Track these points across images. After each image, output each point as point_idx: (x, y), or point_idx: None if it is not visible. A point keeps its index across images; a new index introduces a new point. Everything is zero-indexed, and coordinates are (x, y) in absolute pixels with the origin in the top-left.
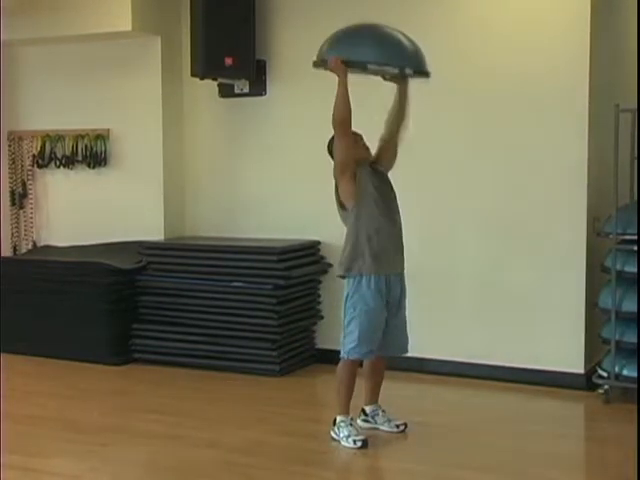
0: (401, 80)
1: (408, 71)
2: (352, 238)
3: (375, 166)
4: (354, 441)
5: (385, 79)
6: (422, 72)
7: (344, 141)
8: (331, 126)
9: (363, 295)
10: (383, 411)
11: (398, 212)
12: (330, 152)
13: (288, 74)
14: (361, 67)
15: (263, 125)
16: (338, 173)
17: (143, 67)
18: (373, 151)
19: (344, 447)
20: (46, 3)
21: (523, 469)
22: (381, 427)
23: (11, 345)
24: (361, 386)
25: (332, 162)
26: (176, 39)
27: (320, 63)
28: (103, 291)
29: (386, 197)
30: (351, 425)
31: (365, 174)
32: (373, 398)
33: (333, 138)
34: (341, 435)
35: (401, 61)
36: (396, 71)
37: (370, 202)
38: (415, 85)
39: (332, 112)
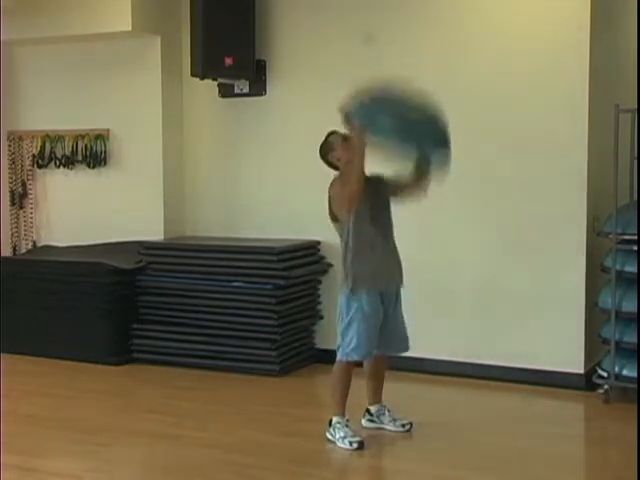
0: (422, 160)
1: (430, 153)
2: (348, 257)
3: (373, 178)
4: (350, 442)
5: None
6: (442, 156)
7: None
8: (329, 128)
9: (359, 298)
10: (388, 410)
11: (391, 226)
12: (322, 157)
13: (288, 74)
14: (381, 138)
15: (263, 125)
16: (337, 206)
17: (143, 67)
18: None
19: (340, 448)
20: (46, 3)
21: (523, 469)
22: (387, 427)
23: (11, 345)
24: (363, 386)
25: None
26: (176, 39)
27: (345, 120)
28: (103, 291)
29: (380, 213)
30: (347, 426)
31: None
32: (377, 398)
33: (324, 143)
34: (337, 436)
35: (425, 143)
36: (415, 150)
37: (365, 221)
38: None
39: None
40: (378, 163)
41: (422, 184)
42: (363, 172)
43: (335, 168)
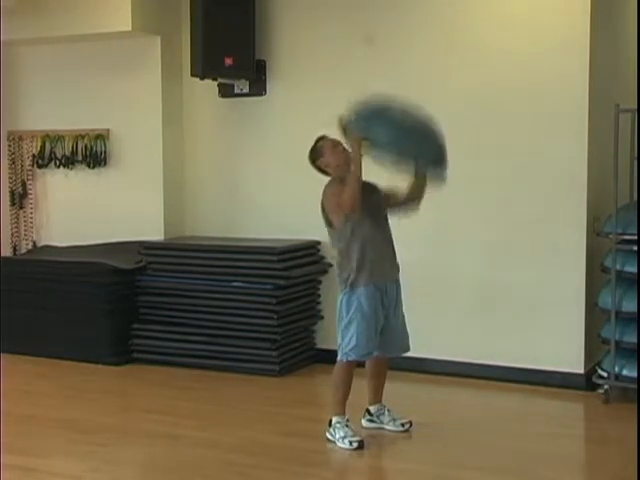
0: (418, 174)
1: (426, 168)
2: (345, 253)
3: (367, 184)
4: (350, 442)
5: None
6: (438, 173)
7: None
8: (329, 128)
9: (358, 297)
10: (388, 410)
11: (387, 219)
12: (312, 162)
13: (288, 74)
14: (379, 151)
15: (263, 125)
16: (332, 210)
17: (143, 67)
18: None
19: (340, 448)
20: (46, 3)
21: (523, 469)
22: (386, 426)
23: (11, 345)
24: (363, 386)
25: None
26: (176, 39)
27: (343, 129)
28: (103, 291)
29: (375, 209)
30: (347, 426)
31: None
32: (377, 398)
33: (313, 148)
34: (337, 436)
35: (421, 157)
36: (412, 164)
37: (360, 217)
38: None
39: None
40: (375, 173)
41: (417, 198)
42: (361, 181)
43: (325, 173)
